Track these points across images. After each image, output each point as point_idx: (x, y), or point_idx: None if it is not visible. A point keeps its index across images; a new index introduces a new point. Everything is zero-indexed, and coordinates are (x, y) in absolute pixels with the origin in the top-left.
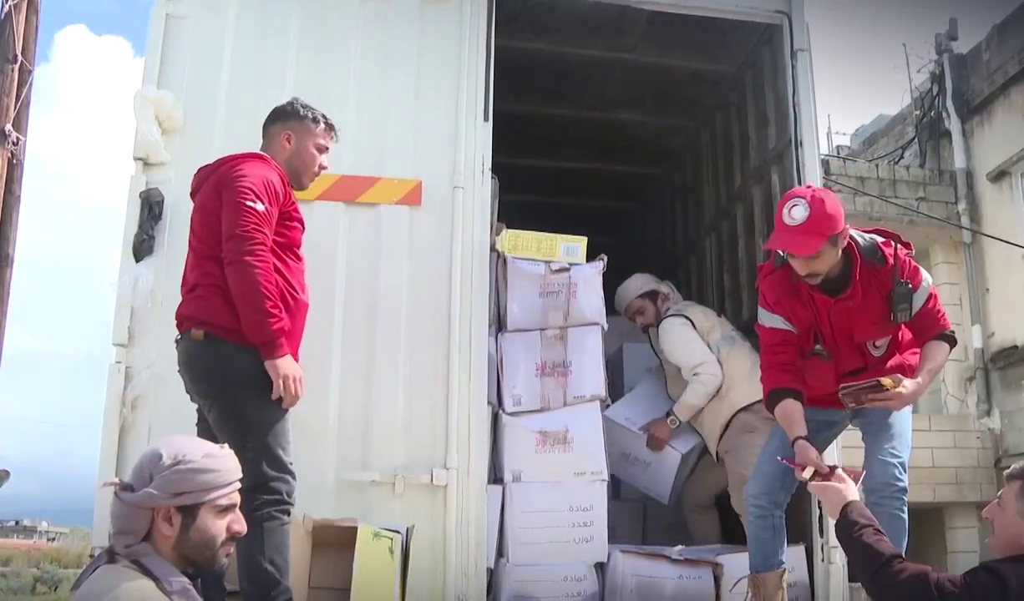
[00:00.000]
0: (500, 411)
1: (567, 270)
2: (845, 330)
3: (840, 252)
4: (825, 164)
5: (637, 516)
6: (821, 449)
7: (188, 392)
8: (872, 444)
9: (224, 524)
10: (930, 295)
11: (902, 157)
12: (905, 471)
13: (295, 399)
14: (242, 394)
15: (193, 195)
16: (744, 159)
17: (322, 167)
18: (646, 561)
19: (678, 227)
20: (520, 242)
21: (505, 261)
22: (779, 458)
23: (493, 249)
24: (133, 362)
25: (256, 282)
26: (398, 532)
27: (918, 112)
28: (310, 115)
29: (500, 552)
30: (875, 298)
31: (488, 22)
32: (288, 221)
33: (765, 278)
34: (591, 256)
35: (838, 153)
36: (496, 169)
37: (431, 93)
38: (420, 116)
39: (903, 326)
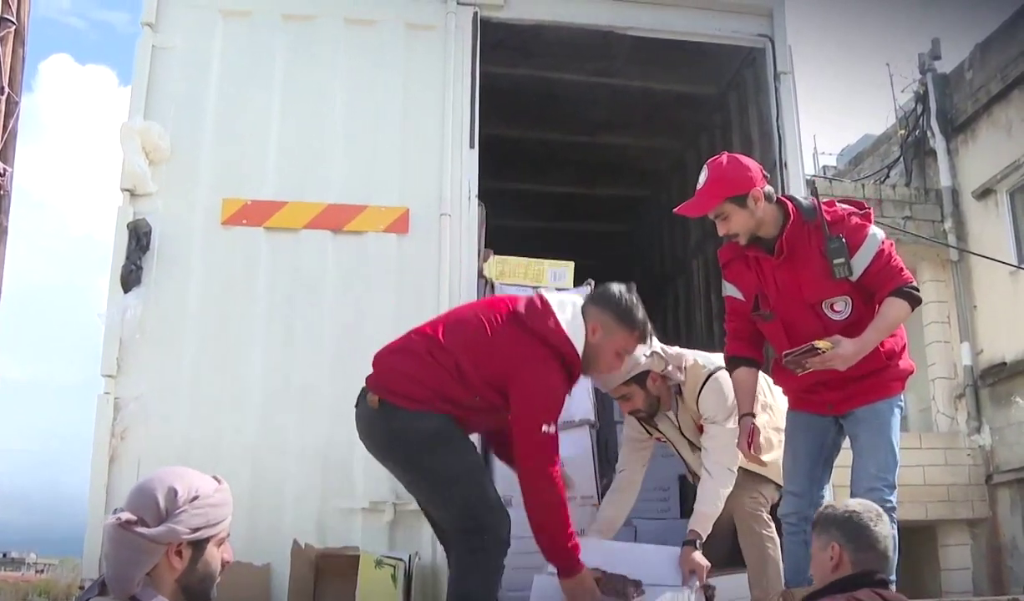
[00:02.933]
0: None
1: None
2: (792, 289)
3: (759, 212)
4: (811, 184)
5: (628, 538)
6: (817, 464)
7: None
8: (859, 466)
9: (220, 554)
10: (879, 251)
11: (888, 176)
12: (894, 490)
13: None
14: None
15: (503, 374)
16: None
17: (614, 371)
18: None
19: (665, 249)
20: (507, 268)
21: (493, 287)
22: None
23: (481, 275)
24: (122, 393)
25: (549, 511)
26: (401, 560)
27: (903, 131)
28: (628, 319)
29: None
30: (813, 254)
31: (473, 48)
32: None
33: (722, 248)
34: (579, 280)
35: (824, 173)
36: (483, 194)
37: (417, 120)
38: (406, 143)
39: (862, 286)
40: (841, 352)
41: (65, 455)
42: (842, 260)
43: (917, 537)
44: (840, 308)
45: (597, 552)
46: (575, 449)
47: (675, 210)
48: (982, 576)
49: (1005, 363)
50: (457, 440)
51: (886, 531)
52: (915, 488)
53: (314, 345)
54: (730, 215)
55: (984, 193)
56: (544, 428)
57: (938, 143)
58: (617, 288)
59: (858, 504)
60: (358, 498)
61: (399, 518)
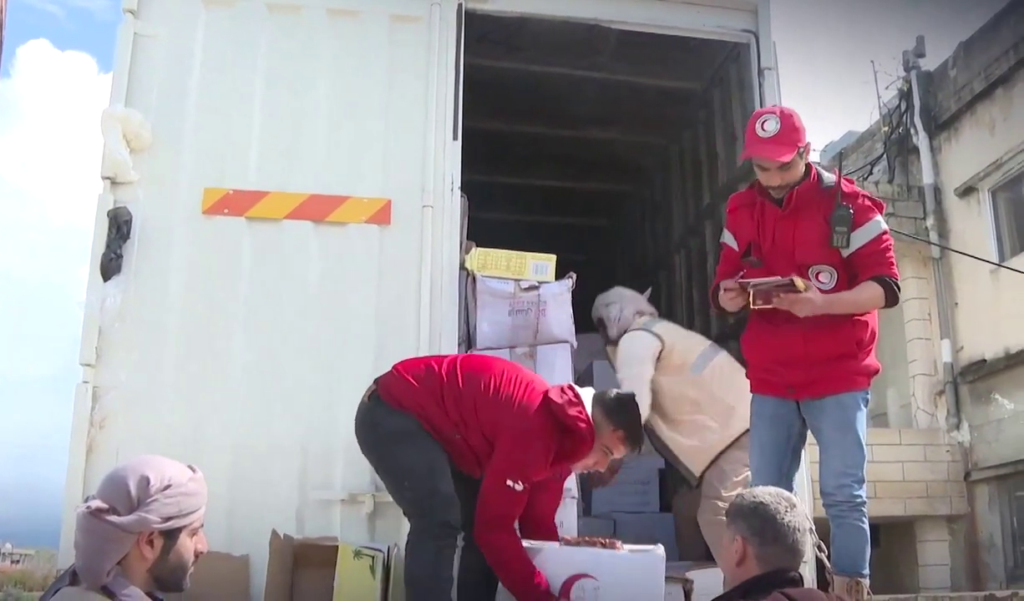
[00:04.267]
0: None
1: (536, 288)
2: (787, 244)
3: (802, 166)
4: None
5: (607, 533)
6: (785, 456)
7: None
8: (826, 462)
9: (193, 545)
10: (879, 236)
11: (871, 173)
12: (862, 485)
13: None
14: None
15: (493, 430)
16: (712, 176)
17: (596, 467)
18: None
19: (648, 244)
20: (489, 260)
21: (475, 279)
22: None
23: (463, 267)
24: (101, 382)
25: (508, 566)
26: (380, 551)
27: (886, 128)
28: (615, 417)
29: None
30: (818, 218)
31: (457, 41)
32: None
33: (734, 195)
34: (561, 273)
35: None
36: (466, 187)
37: (400, 112)
38: (389, 135)
39: (850, 264)
40: (811, 296)
41: (42, 447)
42: (844, 229)
43: (895, 533)
44: (824, 279)
45: (564, 561)
46: None
47: (751, 152)
48: (960, 572)
49: (985, 360)
50: (420, 439)
51: (798, 523)
52: (894, 484)
53: (295, 335)
54: (793, 165)
55: (967, 191)
56: (510, 483)
57: (921, 140)
58: (617, 393)
59: (768, 493)
60: (337, 489)
61: (378, 510)
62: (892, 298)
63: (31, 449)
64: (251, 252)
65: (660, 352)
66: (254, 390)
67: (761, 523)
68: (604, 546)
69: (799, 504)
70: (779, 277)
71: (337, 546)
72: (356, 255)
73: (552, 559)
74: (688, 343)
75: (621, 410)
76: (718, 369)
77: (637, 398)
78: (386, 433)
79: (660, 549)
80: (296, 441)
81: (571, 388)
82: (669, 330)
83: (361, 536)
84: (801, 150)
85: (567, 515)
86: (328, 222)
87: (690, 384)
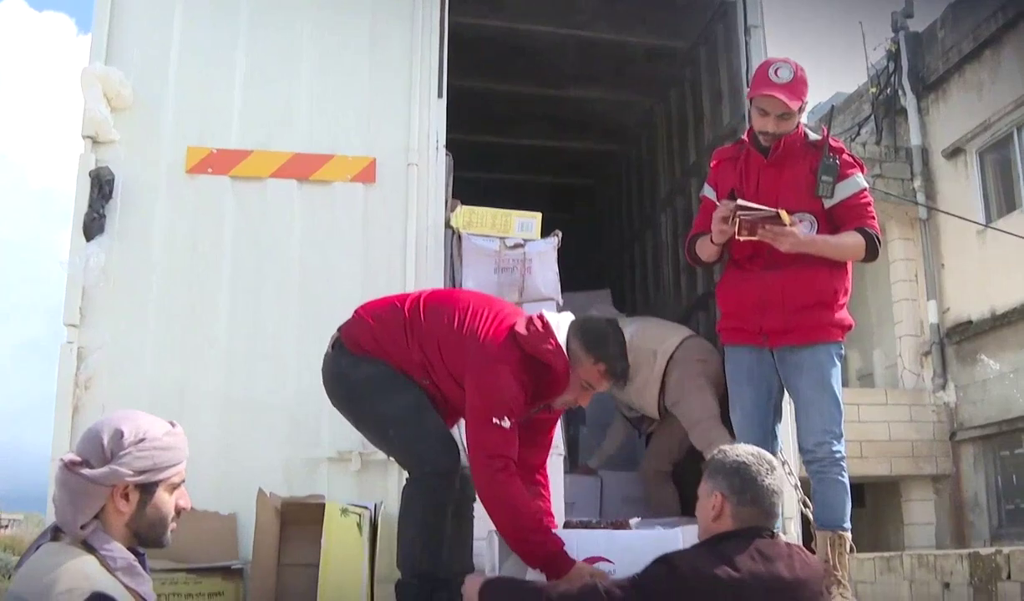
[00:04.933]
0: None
1: (522, 246)
2: (770, 191)
3: (795, 124)
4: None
5: (594, 490)
6: (768, 415)
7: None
8: (804, 420)
9: (174, 500)
10: (861, 191)
11: (858, 134)
12: (841, 439)
13: None
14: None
15: (463, 372)
16: (698, 135)
17: (583, 404)
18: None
19: (633, 203)
20: (475, 218)
21: (460, 238)
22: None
23: (448, 226)
24: (85, 342)
25: (507, 508)
26: (366, 508)
27: (874, 90)
28: (594, 349)
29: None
30: (803, 168)
31: None
32: None
33: (719, 149)
34: (547, 232)
35: None
36: (451, 146)
37: (384, 70)
38: (374, 93)
39: (832, 216)
40: (796, 231)
41: (26, 410)
42: (830, 180)
43: (881, 492)
44: (804, 229)
45: (578, 545)
46: None
47: (763, 92)
48: (944, 531)
49: (971, 321)
50: (393, 381)
51: (777, 485)
52: (880, 444)
53: (280, 294)
54: (791, 117)
55: (954, 152)
56: (495, 420)
57: (909, 102)
58: (598, 319)
59: (751, 453)
60: (324, 448)
61: (365, 467)
62: (873, 251)
63: (16, 414)
64: (235, 211)
65: None
66: (239, 349)
67: (741, 483)
68: (616, 527)
69: (779, 467)
70: (766, 207)
71: (324, 504)
72: (341, 214)
73: (566, 543)
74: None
75: (600, 341)
76: (642, 332)
77: None
78: (356, 383)
79: (676, 530)
80: (282, 400)
81: (541, 318)
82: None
83: (348, 494)
84: (802, 105)
85: (553, 472)
86: (312, 181)
87: None
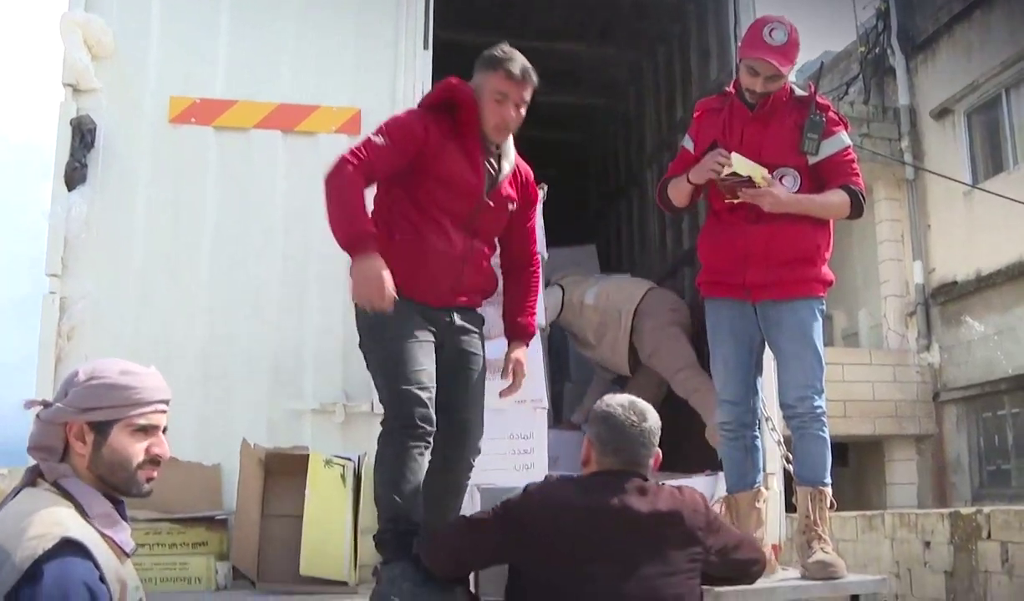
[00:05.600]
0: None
1: None
2: (754, 146)
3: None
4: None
5: (578, 444)
6: (750, 370)
7: None
8: (787, 375)
9: (142, 446)
10: (846, 148)
11: (847, 93)
12: (822, 395)
13: (373, 301)
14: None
15: None
16: (686, 91)
17: (507, 119)
18: None
19: (620, 159)
20: None
21: None
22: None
23: None
24: (68, 292)
25: (333, 191)
26: (350, 459)
27: (863, 49)
28: (489, 63)
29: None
30: (788, 124)
31: None
32: (433, 180)
33: (703, 100)
34: None
35: None
36: None
37: (370, 21)
38: (359, 44)
39: (816, 172)
40: (775, 191)
41: (10, 368)
42: (816, 136)
43: (864, 451)
44: (788, 183)
45: None
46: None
47: (757, 54)
48: (926, 491)
49: (956, 282)
50: (382, 328)
51: (645, 436)
52: (864, 404)
53: (264, 246)
54: (780, 79)
55: (942, 113)
56: (371, 136)
57: (898, 61)
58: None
59: (621, 403)
60: (308, 399)
61: (349, 420)
62: (858, 209)
63: (1, 370)
64: (219, 162)
65: (563, 298)
66: (223, 300)
67: (607, 432)
68: None
69: (651, 417)
70: (739, 175)
71: (308, 455)
72: (326, 165)
73: None
74: (585, 284)
75: (491, 55)
76: (604, 292)
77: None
78: (360, 330)
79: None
80: (266, 351)
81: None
82: (573, 279)
83: (332, 446)
84: (792, 67)
85: (537, 427)
86: (297, 132)
87: (590, 312)
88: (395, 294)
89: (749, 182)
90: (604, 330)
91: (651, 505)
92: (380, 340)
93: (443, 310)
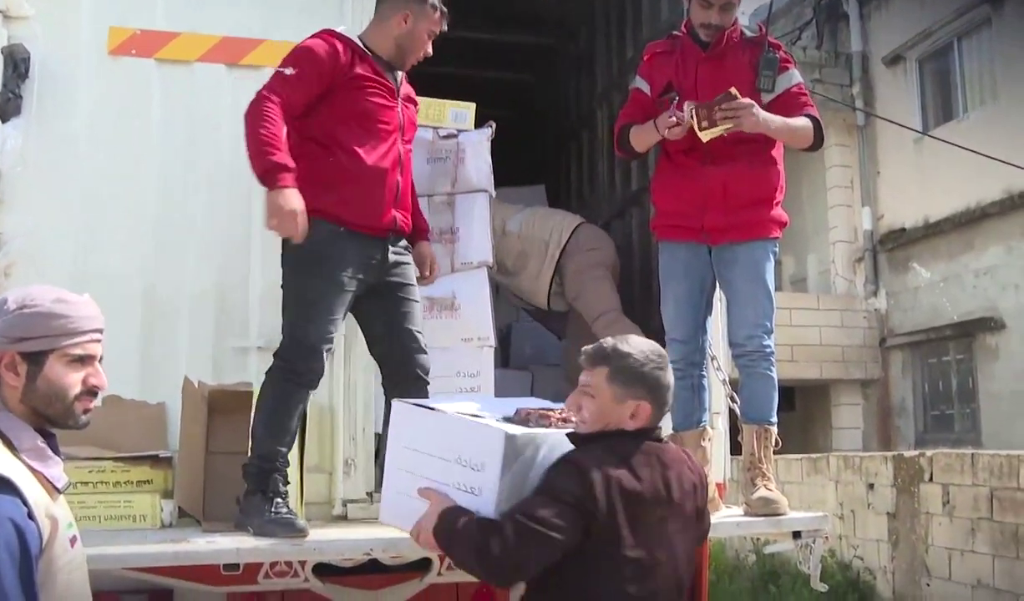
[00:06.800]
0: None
1: (455, 136)
2: (709, 85)
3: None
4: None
5: (525, 383)
6: (700, 310)
7: None
8: (737, 313)
9: (79, 376)
10: (799, 83)
11: (799, 38)
12: (771, 334)
13: (285, 232)
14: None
15: None
16: (636, 31)
17: (427, 54)
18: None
19: (571, 99)
20: None
21: None
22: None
23: None
24: (5, 228)
25: (251, 125)
26: None
27: None
28: (429, 1)
29: (387, 417)
30: (743, 63)
31: None
32: (358, 91)
33: (654, 42)
34: (480, 124)
35: None
36: None
37: None
38: None
39: (771, 109)
40: (756, 113)
41: None
42: (771, 73)
43: (811, 395)
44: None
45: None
46: (472, 290)
47: None
48: (872, 435)
49: (904, 229)
50: (315, 265)
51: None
52: (811, 348)
53: (210, 183)
54: (733, 8)
55: (894, 60)
56: (280, 69)
57: (851, 7)
58: None
59: (657, 354)
60: (253, 337)
61: None
62: (819, 138)
63: None
64: (161, 96)
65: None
66: (166, 237)
67: (661, 392)
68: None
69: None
70: (721, 94)
71: (252, 391)
72: None
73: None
74: (511, 210)
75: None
76: (530, 221)
77: None
78: (285, 259)
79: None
80: (210, 289)
81: None
82: (500, 205)
83: None
84: None
85: (484, 365)
86: (242, 66)
87: (513, 239)
88: (307, 226)
89: (729, 97)
90: (525, 260)
91: (681, 485)
92: (306, 275)
93: (379, 242)
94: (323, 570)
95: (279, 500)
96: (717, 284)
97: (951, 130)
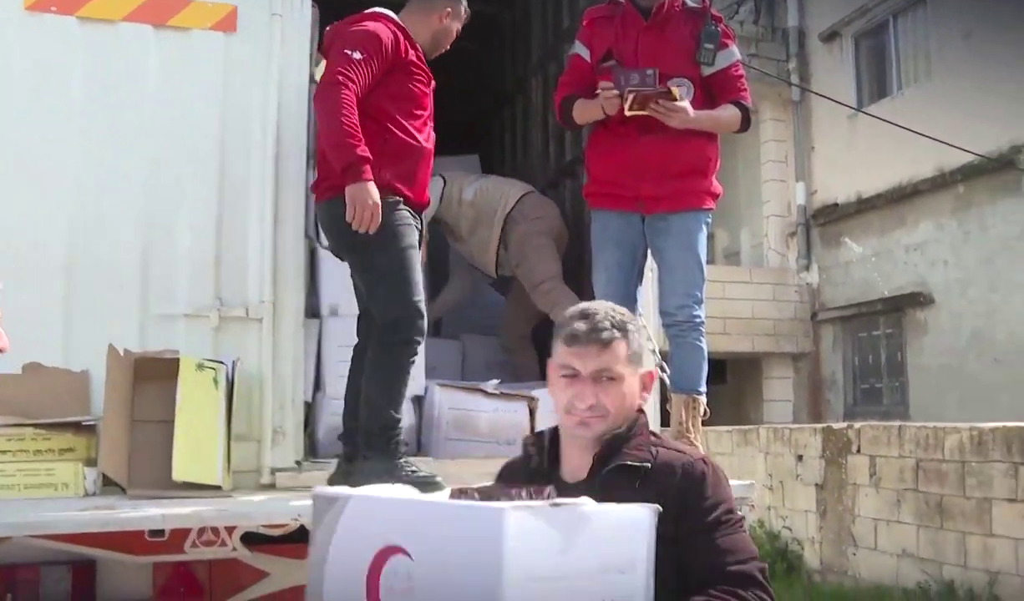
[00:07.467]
0: (318, 245)
1: None
2: (650, 54)
3: None
4: None
5: (456, 353)
6: (632, 278)
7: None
8: (668, 282)
9: None
10: (737, 62)
11: (737, 12)
12: (702, 304)
13: (366, 224)
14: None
15: (325, 53)
16: (572, 1)
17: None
18: (462, 394)
19: (507, 67)
20: None
21: None
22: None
23: (313, 81)
24: None
25: (332, 113)
26: (223, 363)
27: None
28: (465, 2)
29: (317, 386)
30: (684, 34)
31: None
32: (408, 76)
33: (592, 8)
34: None
35: None
36: (319, 2)
37: None
38: None
39: (708, 85)
40: (685, 107)
41: None
42: (712, 47)
43: (743, 368)
44: (683, 93)
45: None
46: None
47: None
48: (802, 407)
49: (837, 204)
50: (393, 239)
51: None
52: (743, 321)
53: (135, 146)
54: None
55: (831, 36)
56: (348, 51)
57: None
58: None
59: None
60: (180, 304)
61: (223, 325)
62: (747, 123)
63: None
64: (84, 56)
65: (443, 190)
66: (89, 202)
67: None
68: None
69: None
70: (659, 86)
71: (178, 359)
72: (199, 63)
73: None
74: (466, 179)
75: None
76: (483, 189)
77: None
78: (355, 239)
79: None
80: (136, 255)
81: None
82: (456, 173)
83: (206, 351)
84: None
85: None
86: (169, 26)
87: (467, 207)
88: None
89: (667, 94)
90: (476, 227)
91: None
92: (389, 250)
93: (419, 217)
94: (251, 539)
95: (408, 461)
96: (649, 253)
97: (885, 107)
